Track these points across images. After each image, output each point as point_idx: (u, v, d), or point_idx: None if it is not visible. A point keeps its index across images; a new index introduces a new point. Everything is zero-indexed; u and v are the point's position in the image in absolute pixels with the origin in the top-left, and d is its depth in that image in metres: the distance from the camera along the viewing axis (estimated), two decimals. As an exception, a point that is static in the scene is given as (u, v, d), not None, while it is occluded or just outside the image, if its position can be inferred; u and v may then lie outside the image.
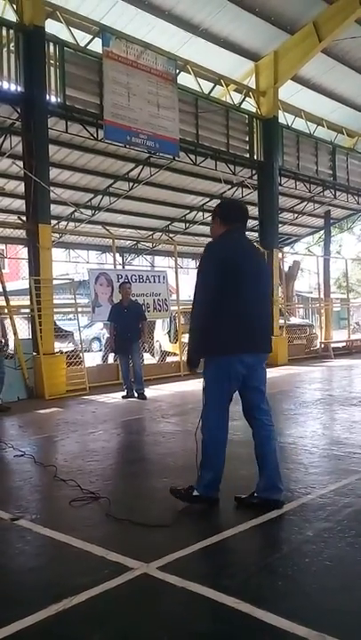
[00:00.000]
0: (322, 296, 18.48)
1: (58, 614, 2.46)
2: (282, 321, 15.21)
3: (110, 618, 2.47)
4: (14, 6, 9.83)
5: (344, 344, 17.64)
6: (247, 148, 14.51)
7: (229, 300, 3.59)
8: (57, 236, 16.77)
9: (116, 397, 9.20)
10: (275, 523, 3.48)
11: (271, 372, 12.05)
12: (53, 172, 12.56)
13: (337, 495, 3.91)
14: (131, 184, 15.73)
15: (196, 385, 10.68)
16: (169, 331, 15.31)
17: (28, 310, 10.02)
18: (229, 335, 3.61)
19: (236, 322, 3.61)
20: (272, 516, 3.54)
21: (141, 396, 9.06)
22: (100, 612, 2.50)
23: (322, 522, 3.44)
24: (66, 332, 13.90)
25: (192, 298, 3.70)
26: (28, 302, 10.12)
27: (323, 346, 16.54)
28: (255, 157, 14.59)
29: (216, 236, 3.84)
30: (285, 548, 3.15)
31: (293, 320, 18.48)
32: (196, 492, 3.76)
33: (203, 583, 2.67)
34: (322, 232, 22.13)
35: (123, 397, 9.16)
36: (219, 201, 18.42)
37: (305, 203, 19.66)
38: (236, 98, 14.33)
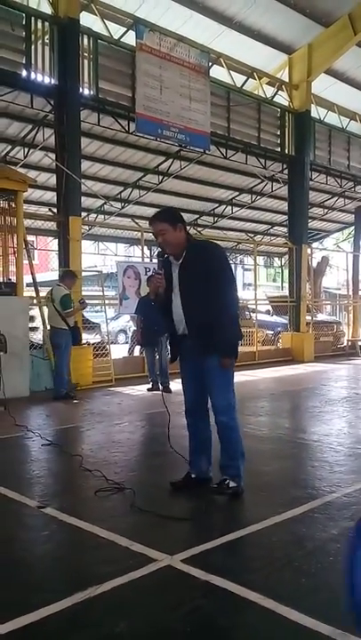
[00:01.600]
0: (350, 293, 18.25)
1: (83, 602, 2.51)
2: (309, 317, 15.08)
3: (134, 607, 2.50)
4: (49, -1, 9.90)
5: (372, 342, 17.41)
6: (278, 141, 14.39)
7: None
8: (86, 228, 16.89)
9: (142, 390, 9.26)
10: (299, 520, 3.47)
11: (297, 369, 12.06)
12: (85, 165, 12.64)
13: (362, 495, 3.88)
14: (160, 177, 15.75)
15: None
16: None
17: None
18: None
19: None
20: (296, 513, 3.54)
21: (167, 390, 9.07)
22: (125, 602, 2.53)
23: (347, 520, 3.42)
24: (93, 323, 14.01)
25: (222, 293, 3.82)
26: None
27: (350, 343, 16.37)
28: (286, 151, 14.46)
29: (182, 241, 3.90)
30: (309, 545, 3.14)
31: (321, 317, 18.31)
32: (237, 488, 3.90)
33: (226, 577, 2.68)
34: (352, 228, 21.85)
35: (148, 390, 9.21)
36: (244, 197, 18.35)
37: (335, 198, 19.43)
38: (269, 91, 14.20)
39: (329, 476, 4.32)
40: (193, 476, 4.11)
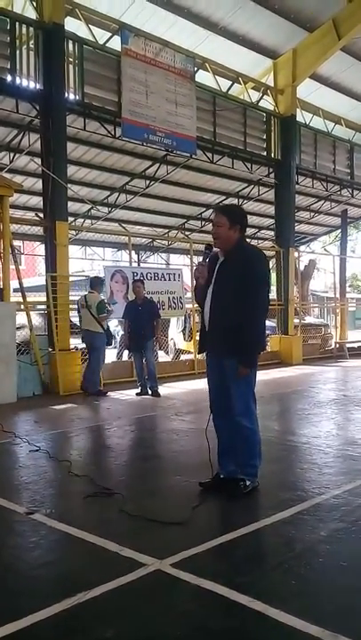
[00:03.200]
0: (337, 295, 18.37)
1: (72, 608, 2.49)
2: (297, 320, 15.14)
3: (124, 613, 2.48)
4: (34, 4, 9.88)
5: (359, 344, 17.51)
6: (264, 146, 14.46)
7: None
8: (73, 233, 16.84)
9: (130, 394, 9.23)
10: (288, 522, 3.48)
11: (285, 372, 12.09)
12: (71, 170, 12.61)
13: (351, 496, 3.90)
14: (147, 182, 15.74)
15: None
16: (184, 329, 15.31)
17: (44, 306, 10.08)
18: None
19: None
20: (285, 516, 3.54)
21: (155, 394, 9.09)
22: (114, 607, 2.52)
23: (336, 522, 3.43)
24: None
25: (251, 303, 3.85)
26: (44, 298, 10.19)
27: (338, 346, 16.44)
28: (272, 155, 14.54)
29: (232, 241, 3.95)
30: (299, 547, 3.14)
31: (308, 319, 18.39)
32: (254, 484, 4.00)
33: (216, 580, 2.68)
34: (338, 231, 21.99)
35: (137, 394, 9.19)
36: (231, 201, 18.40)
37: (322, 201, 19.54)
38: (254, 96, 14.28)
39: (318, 478, 4.33)
40: (222, 476, 4.10)
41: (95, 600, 2.56)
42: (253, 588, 2.61)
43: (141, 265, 20.37)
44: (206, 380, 4.18)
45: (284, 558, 3.00)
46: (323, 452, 5.17)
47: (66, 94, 10.08)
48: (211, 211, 19.07)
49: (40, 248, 16.71)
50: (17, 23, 9.48)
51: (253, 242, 22.13)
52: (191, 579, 2.72)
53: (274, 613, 2.39)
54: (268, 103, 14.46)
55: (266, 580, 2.74)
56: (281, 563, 2.94)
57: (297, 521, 3.50)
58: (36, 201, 14.39)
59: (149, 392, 9.14)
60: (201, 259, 4.13)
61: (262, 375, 11.84)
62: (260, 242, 22.29)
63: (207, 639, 2.29)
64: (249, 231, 22.02)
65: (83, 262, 23.15)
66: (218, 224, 3.92)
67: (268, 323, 16.89)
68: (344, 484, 4.15)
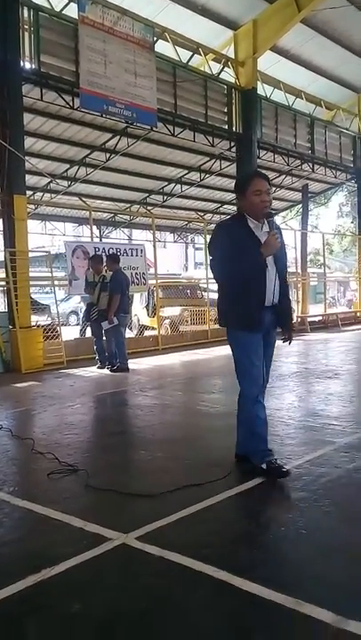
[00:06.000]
0: (299, 270, 18.56)
1: (37, 585, 2.48)
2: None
3: (89, 587, 2.48)
4: (-14, -33, 9.46)
5: (320, 318, 17.81)
6: (226, 119, 14.36)
7: None
8: (32, 207, 16.51)
9: (95, 371, 9.19)
10: (251, 493, 3.52)
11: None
12: (28, 142, 12.29)
13: (312, 465, 3.97)
14: (108, 155, 15.49)
15: (175, 359, 10.72)
16: (147, 304, 15.26)
17: (3, 283, 9.88)
18: None
19: None
20: (249, 486, 3.58)
21: (119, 369, 9.07)
22: (79, 583, 2.52)
23: (298, 491, 3.49)
24: (42, 305, 13.77)
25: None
26: (2, 275, 9.97)
27: (299, 320, 16.68)
28: (234, 129, 14.45)
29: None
30: (262, 517, 3.20)
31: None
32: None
33: (181, 552, 2.70)
34: (299, 206, 22.13)
35: (98, 368, 9.22)
36: (193, 175, 18.25)
37: (283, 176, 19.60)
38: (215, 68, 14.11)
39: (280, 449, 4.39)
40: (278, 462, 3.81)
41: (60, 576, 2.55)
42: (218, 559, 2.63)
43: (103, 240, 20.15)
44: (252, 359, 3.81)
45: (248, 528, 3.05)
46: (285, 423, 5.24)
47: (21, 63, 9.76)
48: (173, 185, 18.94)
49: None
50: (-32, -13, 9.08)
51: (216, 217, 22.13)
52: (156, 551, 2.73)
53: (239, 583, 2.43)
54: (229, 75, 14.32)
55: (230, 551, 2.78)
56: (245, 533, 2.98)
57: (260, 491, 3.55)
58: (-7, 174, 13.98)
59: (107, 366, 9.12)
60: (268, 227, 3.74)
61: (225, 350, 11.92)
62: (222, 216, 22.28)
63: (172, 611, 2.31)
64: (211, 206, 22.01)
65: (43, 238, 22.76)
66: (268, 191, 3.72)
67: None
68: (305, 455, 4.22)
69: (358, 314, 19.71)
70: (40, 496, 3.57)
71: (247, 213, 3.75)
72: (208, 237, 24.54)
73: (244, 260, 3.62)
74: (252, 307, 3.71)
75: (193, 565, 2.59)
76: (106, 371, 9.09)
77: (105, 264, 9.16)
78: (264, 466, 3.73)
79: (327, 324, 17.52)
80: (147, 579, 2.54)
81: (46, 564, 2.63)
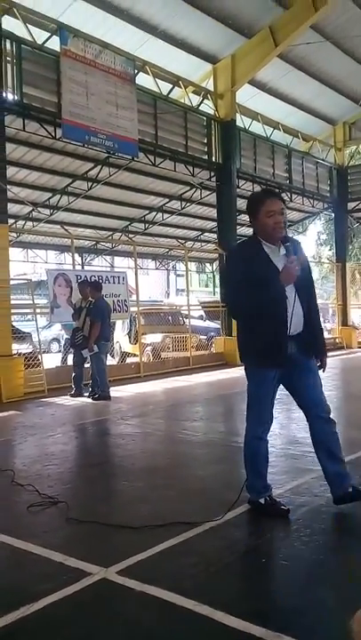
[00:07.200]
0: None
1: (16, 622, 2.44)
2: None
3: (69, 624, 2.46)
4: (-31, 1, 9.64)
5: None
6: (206, 150, 14.61)
7: None
8: (14, 235, 16.50)
9: (76, 400, 9.12)
10: (232, 524, 3.52)
11: (230, 373, 12.22)
12: (10, 171, 12.36)
13: (293, 494, 3.99)
14: (90, 184, 15.62)
15: (157, 386, 10.70)
16: (129, 332, 15.26)
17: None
18: None
19: None
20: (229, 517, 3.58)
21: (100, 398, 9.02)
22: (59, 619, 2.49)
23: (278, 521, 3.50)
24: (24, 333, 13.69)
25: (315, 292, 3.73)
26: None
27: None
28: (213, 159, 14.70)
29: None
30: (243, 548, 3.19)
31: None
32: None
33: (162, 586, 2.68)
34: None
35: (71, 395, 9.28)
36: (173, 203, 18.47)
37: (263, 205, 19.86)
38: (195, 100, 14.41)
39: (261, 478, 4.40)
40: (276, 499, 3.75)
41: (40, 612, 2.52)
42: (199, 592, 2.62)
43: (85, 268, 20.19)
44: (261, 399, 3.73)
45: (228, 560, 3.03)
46: (266, 451, 5.25)
47: (4, 94, 9.88)
48: (154, 214, 19.12)
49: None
50: None
51: (197, 244, 22.33)
52: (137, 585, 2.71)
53: (220, 617, 2.42)
54: (208, 107, 14.62)
55: (211, 583, 2.76)
56: (226, 565, 2.97)
57: (240, 522, 3.55)
58: (-25, 203, 14.01)
59: (92, 395, 9.08)
60: (285, 251, 3.44)
61: (207, 377, 11.99)
62: (203, 244, 22.51)
63: (153, 646, 2.29)
64: (192, 234, 22.22)
65: (25, 265, 22.75)
66: (282, 211, 3.44)
67: (212, 324, 17.23)
68: (286, 483, 4.24)
69: (337, 340, 19.89)
70: (20, 530, 3.53)
71: (261, 237, 3.49)
72: (190, 265, 24.61)
73: (260, 289, 3.34)
74: (268, 342, 3.44)
75: (174, 600, 2.58)
76: (85, 399, 9.04)
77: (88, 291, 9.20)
78: (262, 500, 3.65)
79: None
80: (127, 614, 2.52)
81: (26, 600, 2.59)
